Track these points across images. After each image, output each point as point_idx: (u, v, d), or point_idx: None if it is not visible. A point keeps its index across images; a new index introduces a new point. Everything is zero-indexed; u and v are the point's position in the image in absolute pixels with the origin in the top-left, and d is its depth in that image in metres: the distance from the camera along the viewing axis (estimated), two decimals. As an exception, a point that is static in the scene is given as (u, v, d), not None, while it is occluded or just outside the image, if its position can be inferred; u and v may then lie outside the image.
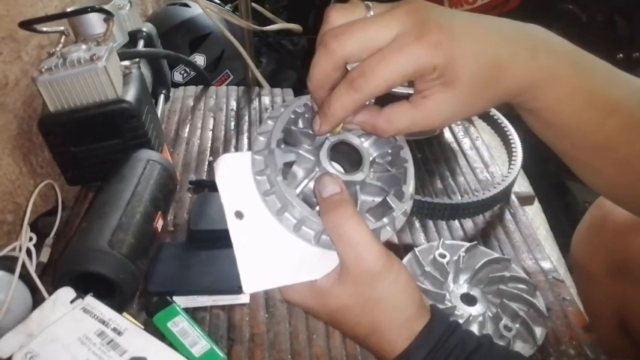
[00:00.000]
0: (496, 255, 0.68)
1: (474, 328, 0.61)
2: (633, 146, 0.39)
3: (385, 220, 0.38)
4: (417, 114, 0.36)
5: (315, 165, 0.38)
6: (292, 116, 0.38)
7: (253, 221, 0.38)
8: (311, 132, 0.39)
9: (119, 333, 0.52)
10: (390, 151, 0.41)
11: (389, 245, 0.73)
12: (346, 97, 0.35)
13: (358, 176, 0.38)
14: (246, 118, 1.02)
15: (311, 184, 0.38)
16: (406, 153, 0.40)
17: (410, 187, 0.39)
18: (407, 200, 0.38)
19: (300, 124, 0.40)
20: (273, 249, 0.38)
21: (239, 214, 0.38)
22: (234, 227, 0.38)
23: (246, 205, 0.38)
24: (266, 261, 0.38)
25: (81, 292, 0.56)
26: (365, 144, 0.40)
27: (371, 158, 0.40)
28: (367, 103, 0.37)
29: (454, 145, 0.93)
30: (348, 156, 0.40)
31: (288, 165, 0.38)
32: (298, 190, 0.38)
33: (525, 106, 0.38)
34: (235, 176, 0.38)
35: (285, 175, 0.37)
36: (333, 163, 0.39)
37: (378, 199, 0.39)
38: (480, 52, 0.34)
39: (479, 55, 0.34)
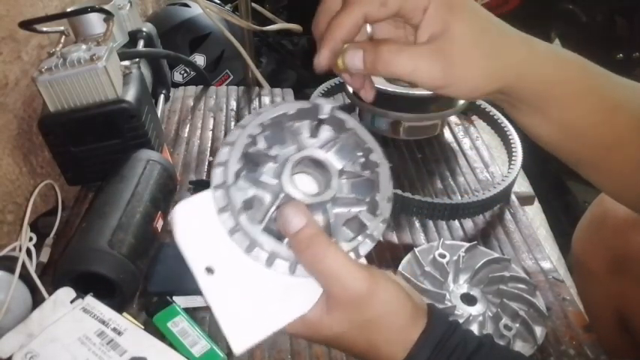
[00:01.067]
0: (496, 255, 0.68)
1: (474, 328, 0.61)
2: None
3: (360, 238, 0.36)
4: (423, 48, 0.37)
5: (279, 189, 0.36)
6: (248, 140, 0.36)
7: (226, 272, 0.36)
8: (271, 153, 0.37)
9: (119, 333, 0.52)
10: (360, 153, 0.39)
11: (389, 245, 0.73)
12: (342, 13, 0.37)
13: (326, 195, 0.36)
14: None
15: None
16: (377, 157, 0.38)
17: (386, 193, 0.37)
18: (382, 210, 0.37)
19: (260, 144, 0.37)
20: (253, 296, 0.36)
21: (209, 270, 0.36)
22: (207, 286, 0.36)
23: (215, 256, 0.36)
24: (250, 312, 0.36)
25: (81, 292, 0.56)
26: (330, 154, 0.38)
27: (340, 167, 0.38)
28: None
29: (454, 145, 0.93)
30: (315, 169, 0.38)
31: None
32: (267, 218, 0.36)
33: (536, 101, 0.38)
34: (196, 225, 0.36)
35: (251, 203, 0.36)
36: (299, 179, 0.37)
37: (355, 210, 0.38)
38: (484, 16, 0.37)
39: (482, 18, 0.37)
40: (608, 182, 0.45)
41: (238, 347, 0.36)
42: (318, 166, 0.38)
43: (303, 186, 0.37)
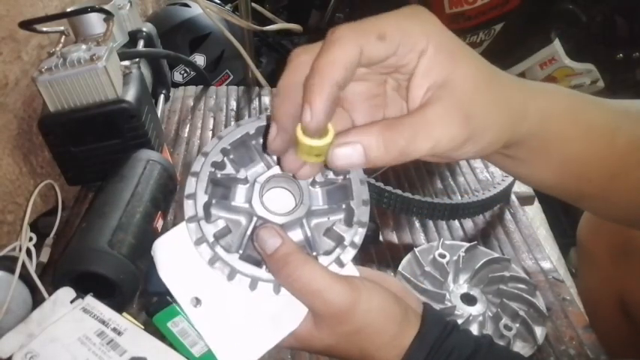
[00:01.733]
0: (496, 255, 0.68)
1: (474, 328, 0.61)
2: None
3: (339, 249, 0.37)
4: (432, 113, 0.30)
5: (252, 212, 0.36)
6: (212, 169, 0.36)
7: (212, 301, 0.37)
8: (240, 176, 0.37)
9: (119, 333, 0.52)
10: None
11: (389, 245, 0.73)
12: (333, 48, 0.28)
13: (300, 211, 0.36)
14: (246, 118, 1.02)
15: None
16: None
17: (360, 197, 0.37)
18: (359, 215, 0.37)
19: (228, 169, 0.38)
20: (242, 321, 0.37)
21: (196, 301, 0.37)
22: (196, 317, 0.37)
23: (199, 287, 0.37)
24: (241, 337, 0.37)
25: (81, 292, 0.56)
26: None
27: (310, 180, 0.38)
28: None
29: (454, 145, 0.93)
30: (287, 183, 0.38)
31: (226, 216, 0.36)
32: (243, 244, 0.36)
33: (535, 142, 0.36)
34: (177, 259, 0.37)
35: (227, 230, 0.36)
36: (274, 195, 0.37)
37: (334, 217, 0.38)
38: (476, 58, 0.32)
39: (477, 61, 0.32)
40: (613, 211, 0.44)
41: None
42: (288, 180, 0.38)
43: (277, 203, 0.37)
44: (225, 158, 0.37)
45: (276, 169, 0.37)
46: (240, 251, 0.36)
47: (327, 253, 0.36)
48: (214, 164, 0.36)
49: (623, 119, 0.39)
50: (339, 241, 0.37)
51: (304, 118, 0.29)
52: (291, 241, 0.35)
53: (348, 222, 0.37)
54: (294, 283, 0.34)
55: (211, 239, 0.35)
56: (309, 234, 0.37)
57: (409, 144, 0.29)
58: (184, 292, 0.37)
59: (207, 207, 0.36)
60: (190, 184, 0.36)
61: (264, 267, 0.36)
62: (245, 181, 0.37)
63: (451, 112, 0.30)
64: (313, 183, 0.38)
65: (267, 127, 0.36)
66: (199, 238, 0.36)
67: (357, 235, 0.37)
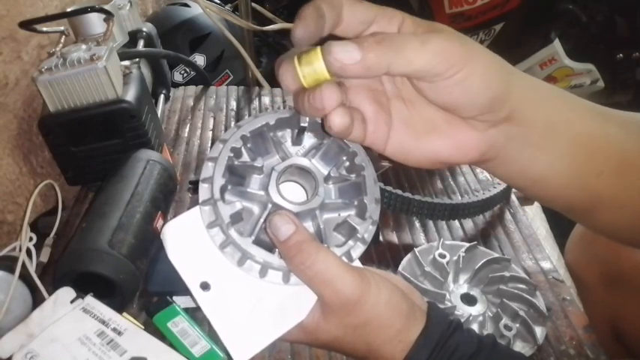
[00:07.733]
0: (496, 255, 0.68)
1: (474, 328, 0.61)
2: (626, 192, 0.39)
3: (351, 242, 0.37)
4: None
5: (267, 200, 0.36)
6: (231, 154, 0.36)
7: (221, 286, 0.37)
8: (256, 165, 0.37)
9: (119, 333, 0.52)
10: (345, 157, 0.39)
11: (389, 245, 0.73)
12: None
13: (314, 202, 0.36)
14: (246, 118, 1.02)
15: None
16: (362, 160, 0.38)
17: (373, 195, 0.38)
18: (371, 213, 0.37)
19: (245, 157, 0.38)
20: (251, 308, 0.37)
21: (205, 285, 0.37)
22: (204, 302, 0.37)
23: (209, 272, 0.37)
24: (249, 324, 0.37)
25: (81, 292, 0.56)
26: (314, 160, 0.38)
27: (325, 173, 0.38)
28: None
29: (454, 145, 0.93)
30: (301, 177, 0.39)
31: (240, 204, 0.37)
32: (256, 229, 0.36)
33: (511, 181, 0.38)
34: (187, 242, 0.37)
35: (239, 215, 0.36)
36: (287, 188, 0.37)
37: (344, 214, 0.38)
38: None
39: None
40: (599, 231, 0.45)
41: (240, 358, 0.36)
42: (303, 173, 0.38)
43: (290, 194, 0.37)
44: (242, 147, 0.37)
45: (292, 161, 0.37)
46: (253, 237, 0.36)
47: (338, 246, 0.37)
48: (233, 150, 0.36)
49: (616, 143, 0.38)
50: (351, 234, 0.37)
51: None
52: (305, 229, 0.35)
53: (361, 216, 0.37)
54: (307, 271, 0.34)
55: (227, 220, 0.35)
56: (321, 226, 0.37)
57: (416, 49, 0.31)
58: (193, 275, 0.37)
59: (222, 191, 0.36)
60: (207, 169, 0.36)
61: (276, 253, 0.36)
62: (261, 170, 0.37)
63: (449, 46, 0.31)
64: (327, 179, 0.38)
65: (288, 119, 0.37)
66: (212, 222, 0.36)
67: (367, 232, 0.37)
